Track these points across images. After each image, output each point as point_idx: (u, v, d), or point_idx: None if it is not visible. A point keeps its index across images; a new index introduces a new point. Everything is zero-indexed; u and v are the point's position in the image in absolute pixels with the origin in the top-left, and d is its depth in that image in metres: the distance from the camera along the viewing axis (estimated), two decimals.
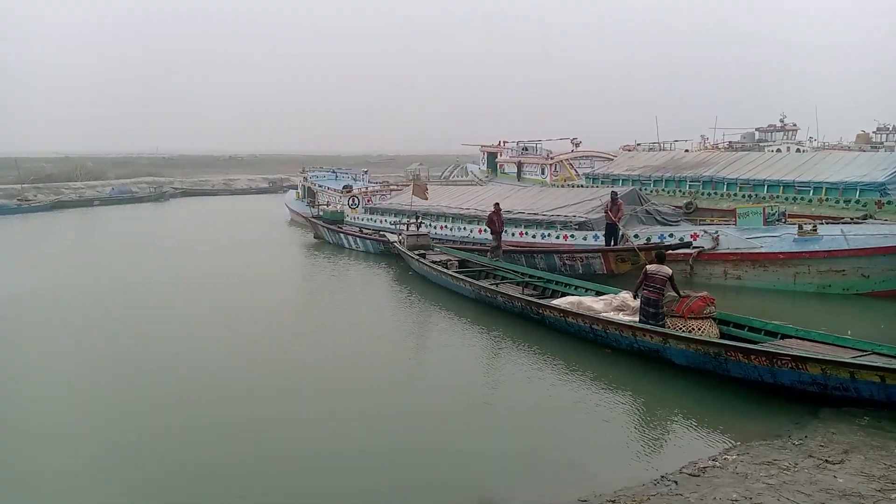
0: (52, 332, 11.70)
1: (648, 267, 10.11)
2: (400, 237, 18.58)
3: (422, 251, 17.11)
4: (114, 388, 9.06)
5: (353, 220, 25.17)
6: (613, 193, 16.38)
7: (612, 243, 15.95)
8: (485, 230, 19.49)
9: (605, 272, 15.56)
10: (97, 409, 8.44)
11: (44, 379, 9.48)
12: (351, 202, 27.69)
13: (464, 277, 14.23)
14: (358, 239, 22.30)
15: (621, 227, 15.96)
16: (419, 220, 19.68)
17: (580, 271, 15.94)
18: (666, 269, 10.06)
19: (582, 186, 26.06)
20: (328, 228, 24.06)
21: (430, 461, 6.91)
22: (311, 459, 6.96)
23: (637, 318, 10.46)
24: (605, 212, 16.10)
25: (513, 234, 18.23)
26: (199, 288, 14.92)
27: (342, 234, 23.17)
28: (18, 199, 40.50)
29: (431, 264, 15.81)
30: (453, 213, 21.28)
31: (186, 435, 7.62)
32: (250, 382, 9.03)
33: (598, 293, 12.56)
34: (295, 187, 39.08)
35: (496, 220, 15.82)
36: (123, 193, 46.77)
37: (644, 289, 9.98)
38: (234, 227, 29.46)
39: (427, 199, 19.91)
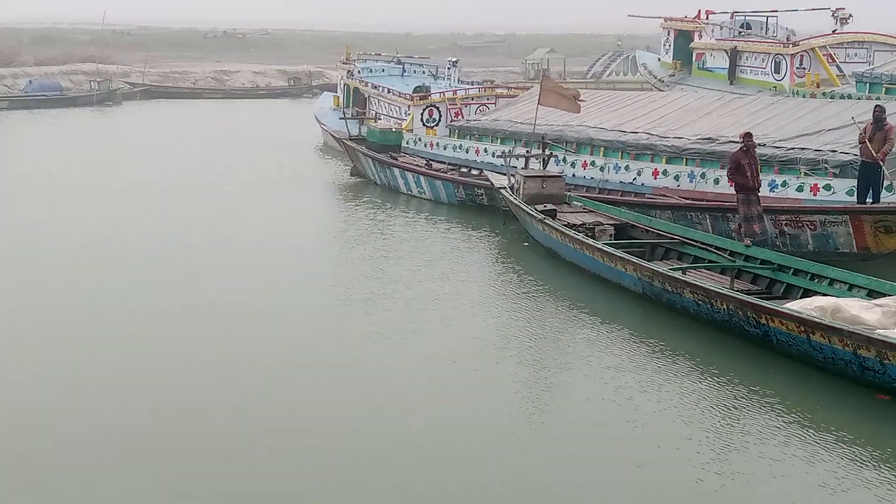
0: None
1: None
2: (513, 180, 18.78)
3: (550, 206, 17.26)
4: None
5: (417, 148, 25.85)
6: (879, 109, 16.04)
7: (872, 199, 15.68)
8: (677, 174, 19.29)
9: (856, 250, 15.33)
10: None
11: None
12: (427, 116, 28.25)
13: (625, 256, 14.32)
14: (423, 179, 23.02)
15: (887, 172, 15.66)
16: (547, 152, 19.78)
17: (810, 246, 15.79)
18: None
19: (849, 98, 25.13)
20: (375, 160, 24.90)
21: None
22: None
23: None
24: (861, 141, 15.81)
25: (701, 179, 18.41)
26: (144, 281, 15.18)
27: (397, 171, 23.94)
28: None
29: (566, 230, 15.98)
30: (608, 141, 21.37)
31: None
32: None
33: (873, 293, 12.32)
34: (333, 89, 40.00)
35: (748, 165, 14.92)
36: (48, 90, 49.19)
37: None
38: (225, 156, 30.82)
39: (577, 109, 19.89)
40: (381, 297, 14.31)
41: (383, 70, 33.69)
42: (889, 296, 11.85)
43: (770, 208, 16.34)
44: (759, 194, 15.28)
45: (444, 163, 24.31)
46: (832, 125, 18.46)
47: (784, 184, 17.37)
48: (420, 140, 26.01)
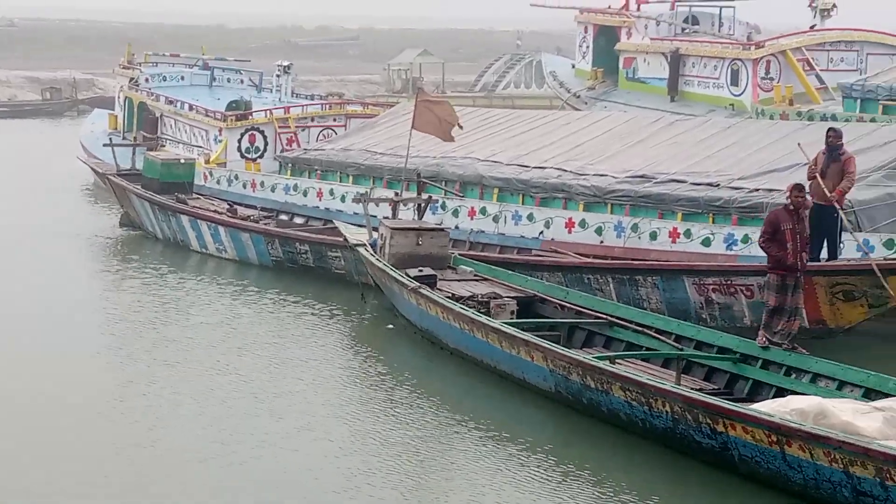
0: None
1: None
2: (378, 234, 18.94)
3: (428, 271, 17.35)
4: None
5: (231, 189, 25.90)
6: (832, 134, 16.78)
7: (827, 255, 16.32)
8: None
9: (808, 325, 15.91)
10: None
11: None
12: (246, 144, 28.09)
13: (532, 339, 14.45)
14: (223, 231, 23.12)
15: (846, 216, 16.29)
16: (425, 196, 20.03)
17: (746, 319, 16.58)
18: None
19: (834, 119, 26.01)
20: (154, 205, 24.88)
21: None
22: None
23: None
24: (811, 176, 16.44)
25: (632, 232, 19.01)
26: None
27: (186, 219, 24.01)
28: None
29: (450, 305, 16.11)
30: (504, 179, 21.75)
31: None
32: None
33: (871, 392, 12.69)
34: (110, 105, 39.44)
35: (792, 232, 14.46)
36: None
37: None
38: None
39: (449, 138, 20.12)
40: (174, 412, 14.05)
41: (183, 78, 33.53)
42: (893, 396, 12.13)
43: (694, 268, 16.98)
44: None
45: (256, 208, 24.38)
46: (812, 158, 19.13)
47: (746, 239, 17.80)
48: (237, 178, 25.86)
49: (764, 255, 17.06)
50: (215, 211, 23.88)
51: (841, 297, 15.50)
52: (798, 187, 14.49)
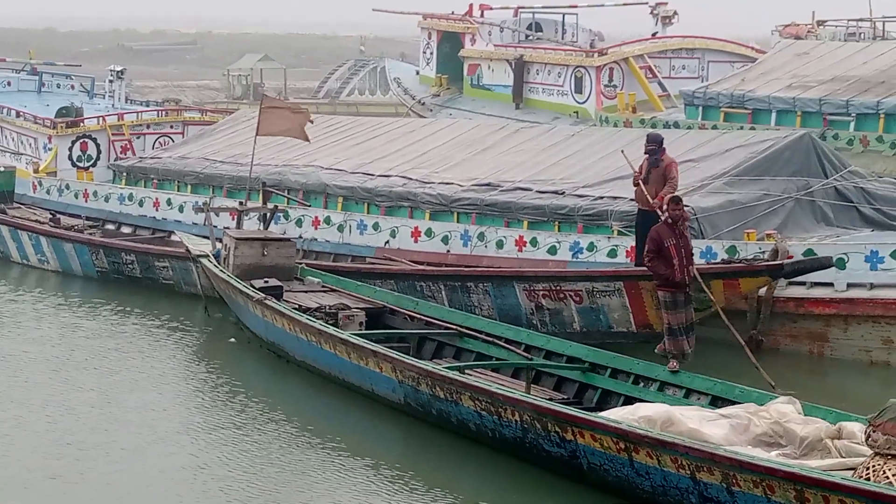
0: None
1: None
2: (221, 244, 18.87)
3: (274, 283, 17.29)
4: None
5: (63, 200, 25.59)
6: (651, 140, 17.20)
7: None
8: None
9: (635, 329, 16.62)
10: None
11: None
12: (78, 152, 27.64)
13: (381, 350, 14.54)
14: (45, 242, 22.90)
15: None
16: (271, 205, 20.00)
17: (576, 325, 17.04)
18: None
19: (676, 126, 26.63)
20: None
21: None
22: None
23: (823, 461, 10.72)
24: (636, 183, 16.95)
25: (479, 241, 19.23)
26: None
27: (5, 230, 23.78)
28: None
29: (297, 316, 16.12)
30: (348, 188, 21.90)
31: None
32: None
33: (718, 399, 13.06)
34: None
35: (675, 248, 14.61)
36: None
37: None
38: None
39: (306, 137, 20.09)
40: (21, 428, 13.78)
41: (9, 83, 32.86)
42: (738, 403, 12.49)
43: (524, 275, 17.36)
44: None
45: (80, 216, 24.15)
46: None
47: (591, 247, 18.17)
48: (68, 188, 25.47)
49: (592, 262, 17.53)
50: (37, 221, 23.56)
51: None
52: (675, 200, 14.67)
